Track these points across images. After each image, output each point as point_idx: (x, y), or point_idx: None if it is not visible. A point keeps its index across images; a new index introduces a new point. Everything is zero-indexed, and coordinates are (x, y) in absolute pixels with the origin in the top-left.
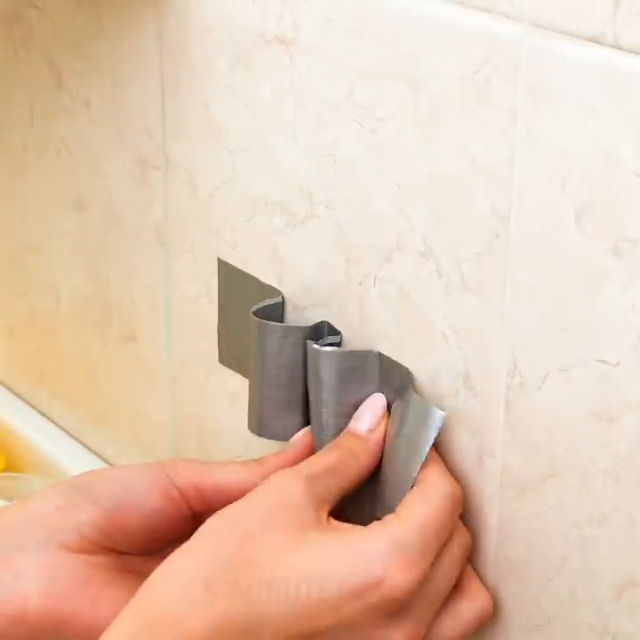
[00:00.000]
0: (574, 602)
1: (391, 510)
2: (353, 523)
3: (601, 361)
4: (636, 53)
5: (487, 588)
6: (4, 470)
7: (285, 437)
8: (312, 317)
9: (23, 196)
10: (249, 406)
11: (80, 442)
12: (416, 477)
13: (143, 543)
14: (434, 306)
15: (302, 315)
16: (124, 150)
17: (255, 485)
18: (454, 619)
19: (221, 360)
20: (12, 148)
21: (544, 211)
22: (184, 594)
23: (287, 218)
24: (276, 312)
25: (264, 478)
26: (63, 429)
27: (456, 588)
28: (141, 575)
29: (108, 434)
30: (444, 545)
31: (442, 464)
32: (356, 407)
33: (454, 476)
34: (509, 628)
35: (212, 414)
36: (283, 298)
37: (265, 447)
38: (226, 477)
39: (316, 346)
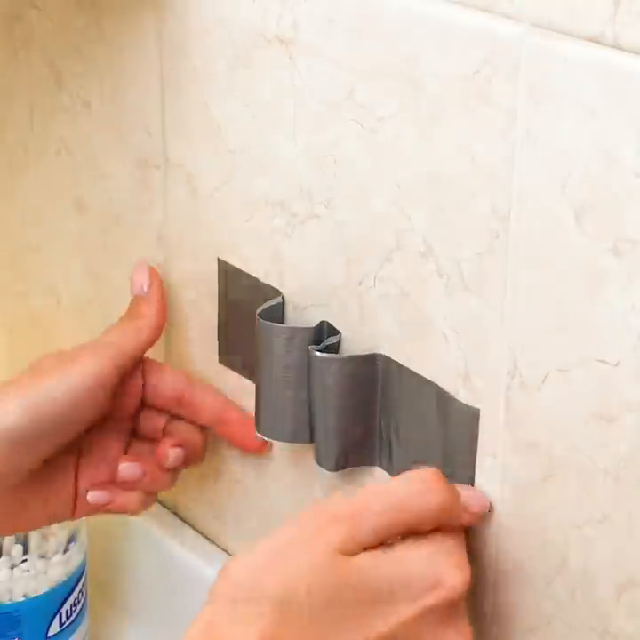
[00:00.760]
0: (574, 602)
1: None
2: None
3: (601, 361)
4: (636, 53)
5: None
6: None
7: (293, 439)
8: (312, 317)
9: (23, 196)
10: (256, 409)
11: None
12: None
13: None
14: (434, 306)
15: (302, 315)
16: (124, 151)
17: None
18: None
19: (221, 360)
20: (12, 149)
21: (544, 211)
22: None
23: (287, 218)
24: (276, 313)
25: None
26: None
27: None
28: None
29: None
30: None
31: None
32: (358, 410)
33: None
34: (509, 629)
35: None
36: (283, 298)
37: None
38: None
39: (317, 353)
